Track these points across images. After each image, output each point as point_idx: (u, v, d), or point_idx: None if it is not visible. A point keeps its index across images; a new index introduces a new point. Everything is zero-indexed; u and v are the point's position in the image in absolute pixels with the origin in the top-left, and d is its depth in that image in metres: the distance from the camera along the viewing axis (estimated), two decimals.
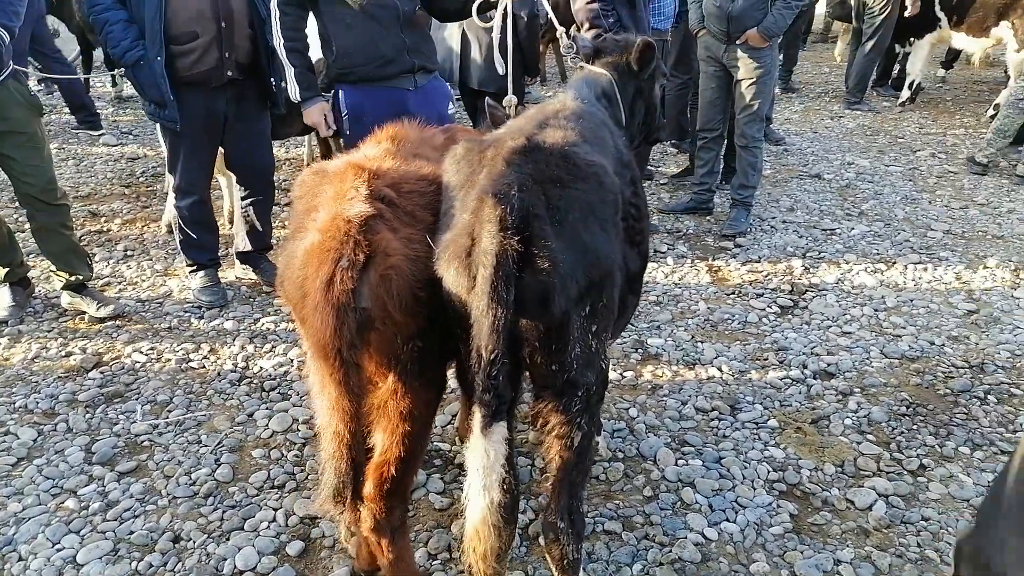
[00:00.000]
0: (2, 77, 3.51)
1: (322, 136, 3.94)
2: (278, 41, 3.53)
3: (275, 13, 3.49)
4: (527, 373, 1.77)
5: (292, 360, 3.62)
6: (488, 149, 1.78)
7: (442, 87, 3.82)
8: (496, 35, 3.34)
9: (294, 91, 3.58)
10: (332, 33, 3.49)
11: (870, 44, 7.86)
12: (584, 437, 1.80)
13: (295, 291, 1.72)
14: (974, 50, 7.83)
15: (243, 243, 4.33)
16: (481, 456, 1.57)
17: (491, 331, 1.51)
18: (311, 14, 3.58)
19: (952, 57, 9.22)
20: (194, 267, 4.19)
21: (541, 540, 2.00)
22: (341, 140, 3.83)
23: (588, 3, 4.14)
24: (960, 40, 7.78)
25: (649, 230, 2.25)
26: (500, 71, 3.41)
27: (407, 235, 1.74)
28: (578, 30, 4.32)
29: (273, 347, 3.74)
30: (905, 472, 2.91)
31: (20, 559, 2.49)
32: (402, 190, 1.81)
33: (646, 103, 2.84)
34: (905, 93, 8.24)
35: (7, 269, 3.92)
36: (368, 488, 1.93)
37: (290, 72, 3.56)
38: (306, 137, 5.84)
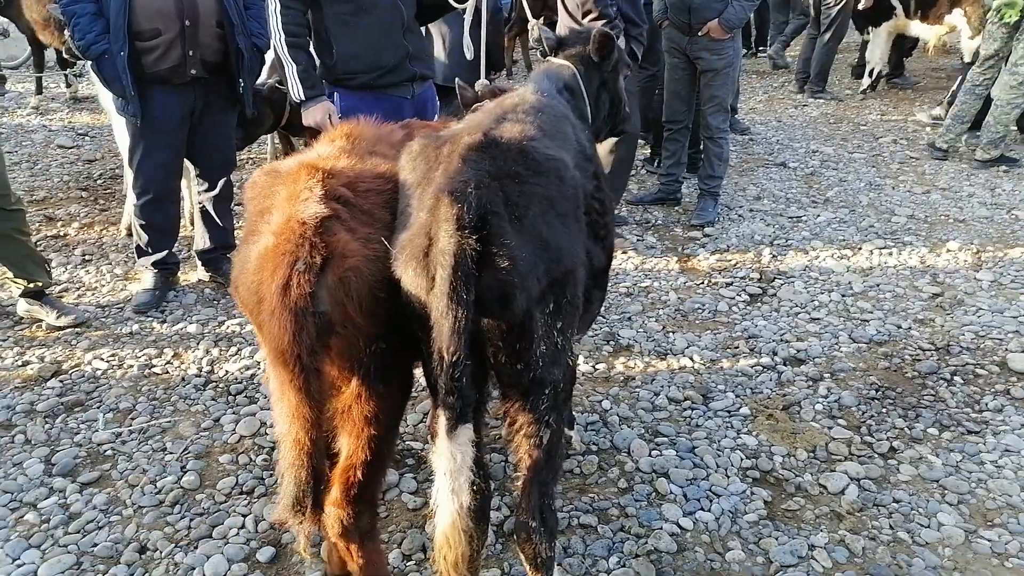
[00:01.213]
0: None
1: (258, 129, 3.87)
2: (278, 38, 3.37)
3: (275, 7, 3.35)
4: (492, 372, 1.73)
5: (258, 363, 3.55)
6: (444, 145, 1.74)
7: (433, 97, 3.76)
8: (469, 17, 3.29)
9: (296, 90, 3.40)
10: (333, 35, 3.37)
11: (828, 34, 7.94)
12: (553, 435, 1.77)
13: (250, 296, 1.67)
14: (929, 37, 7.96)
15: (203, 241, 4.26)
16: (448, 460, 1.54)
17: (452, 332, 1.47)
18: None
19: (910, 45, 9.34)
20: (144, 268, 4.13)
21: (515, 538, 1.98)
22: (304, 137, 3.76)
23: None
24: (916, 28, 7.89)
25: (613, 224, 2.23)
26: (469, 56, 3.36)
27: (365, 235, 1.70)
28: (546, 22, 4.28)
29: (239, 350, 3.66)
30: (876, 455, 2.94)
31: None
32: (358, 189, 1.77)
33: (611, 94, 2.82)
34: (866, 81, 8.34)
35: None
36: (334, 493, 1.89)
37: (292, 70, 3.39)
38: (268, 136, 5.72)
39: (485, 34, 4.95)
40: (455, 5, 3.24)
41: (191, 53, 3.69)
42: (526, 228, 1.59)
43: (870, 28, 8.11)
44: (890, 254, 4.62)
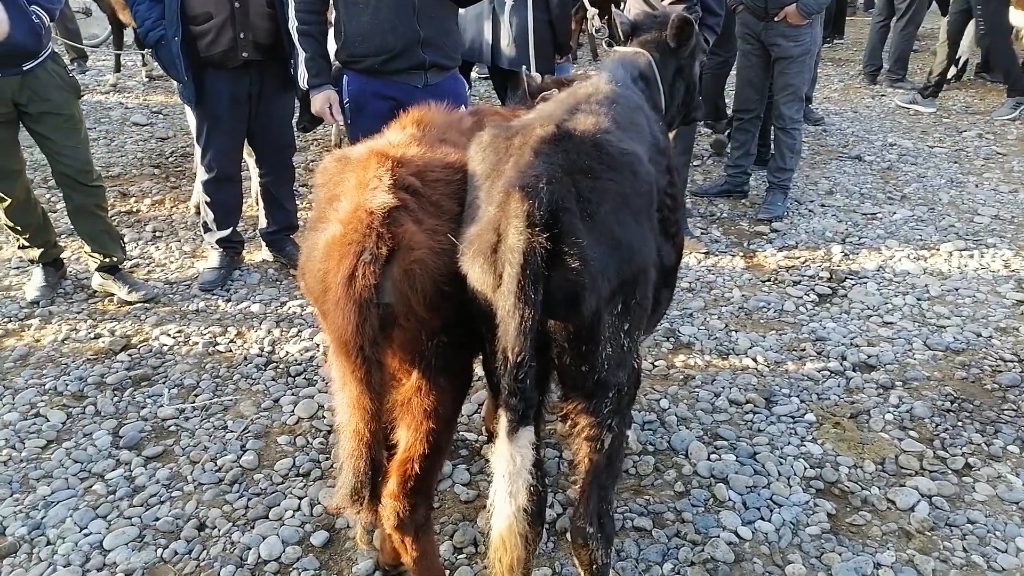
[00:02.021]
0: (42, 58, 3.51)
1: (313, 129, 3.85)
2: (292, 24, 3.44)
3: None
4: (555, 373, 1.69)
5: (318, 345, 3.59)
6: (516, 136, 1.69)
7: (458, 88, 3.61)
8: (507, 13, 3.18)
9: (302, 77, 3.48)
10: (344, 16, 3.35)
11: (904, 19, 7.55)
12: (615, 439, 1.72)
13: (316, 285, 1.66)
14: (1022, 25, 7.46)
15: (265, 222, 4.32)
16: (507, 462, 1.50)
17: (518, 333, 1.43)
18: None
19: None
20: (210, 246, 4.21)
21: (571, 543, 1.94)
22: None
23: None
24: (1013, 16, 7.40)
25: (684, 220, 2.14)
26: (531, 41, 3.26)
27: (432, 226, 1.67)
28: (607, 9, 4.14)
29: (299, 331, 3.71)
30: (949, 471, 2.79)
31: (48, 543, 2.51)
32: (427, 179, 1.73)
33: (686, 82, 2.72)
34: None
35: (41, 250, 3.95)
36: (391, 485, 1.88)
37: (301, 57, 3.46)
38: None
39: (550, 20, 4.89)
40: None
41: (242, 35, 3.69)
42: (598, 226, 1.53)
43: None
44: (971, 256, 4.37)
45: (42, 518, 2.59)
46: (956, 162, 5.85)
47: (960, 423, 3.04)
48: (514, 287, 1.42)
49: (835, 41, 9.84)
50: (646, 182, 1.69)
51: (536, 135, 1.62)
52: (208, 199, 4.12)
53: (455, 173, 1.79)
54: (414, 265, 1.59)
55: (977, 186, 5.38)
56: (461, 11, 5.14)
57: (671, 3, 3.86)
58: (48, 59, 3.58)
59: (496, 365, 1.51)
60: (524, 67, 3.75)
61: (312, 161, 5.91)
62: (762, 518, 2.60)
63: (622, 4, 4.24)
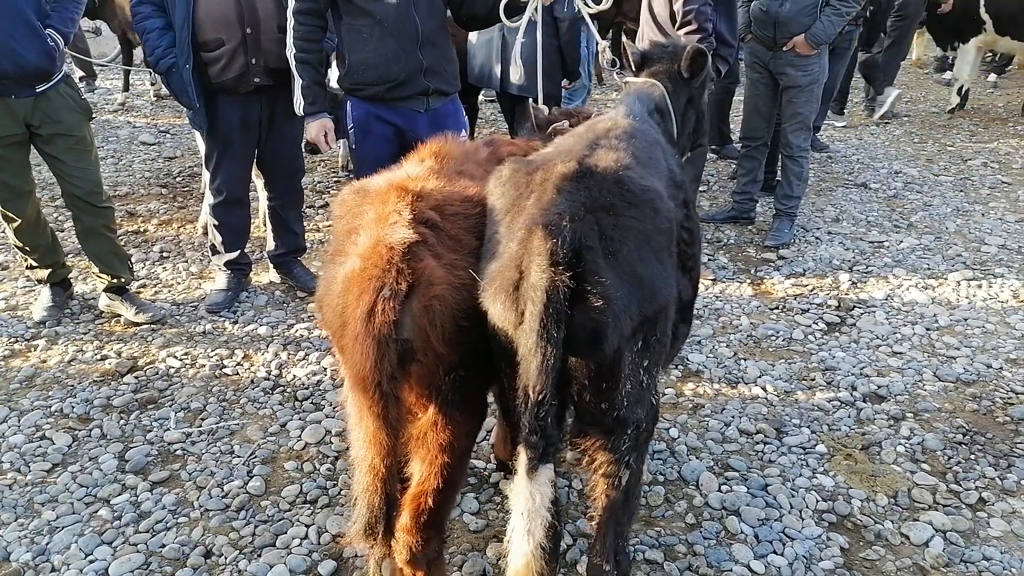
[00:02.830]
0: (54, 81, 3.54)
1: (321, 152, 3.88)
2: (290, 51, 3.41)
3: (290, 21, 3.37)
4: (573, 409, 1.67)
5: (325, 369, 3.57)
6: (537, 172, 1.69)
7: (457, 112, 3.65)
8: (519, 38, 3.21)
9: (299, 104, 3.48)
10: (348, 46, 3.38)
11: (889, 42, 7.61)
12: (632, 476, 1.70)
13: (334, 319, 1.65)
14: (1020, 53, 7.54)
15: (273, 244, 4.32)
16: (526, 500, 1.49)
17: (540, 371, 1.42)
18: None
19: (1004, 62, 8.89)
20: (218, 267, 4.21)
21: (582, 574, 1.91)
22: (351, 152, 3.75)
23: (702, 4, 3.91)
24: (1006, 44, 7.51)
25: (700, 254, 2.14)
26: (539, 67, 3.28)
27: (451, 261, 1.66)
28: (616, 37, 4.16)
29: (306, 355, 3.70)
30: (964, 506, 2.76)
31: (53, 569, 2.48)
32: (446, 212, 1.73)
33: (696, 112, 2.74)
34: (954, 99, 7.95)
35: (49, 270, 3.95)
36: (404, 520, 1.86)
37: (297, 84, 3.46)
38: (342, 140, 5.79)
39: (559, 46, 4.93)
40: (506, 22, 3.15)
41: (254, 61, 3.71)
42: (620, 264, 1.52)
43: (957, 43, 7.75)
44: (979, 286, 4.37)
45: (47, 544, 2.57)
46: (962, 191, 5.87)
47: (973, 456, 3.02)
48: (536, 325, 1.42)
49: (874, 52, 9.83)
50: (667, 219, 1.68)
51: (558, 171, 1.62)
52: (216, 222, 4.12)
53: (474, 207, 1.79)
54: (434, 301, 1.59)
55: (983, 215, 5.39)
56: (471, 37, 5.20)
57: (686, 33, 3.88)
58: (61, 81, 3.60)
59: (517, 402, 1.50)
60: (531, 98, 3.77)
61: (319, 182, 5.93)
62: (775, 552, 2.57)
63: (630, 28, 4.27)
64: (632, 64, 2.65)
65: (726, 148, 6.53)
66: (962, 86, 7.87)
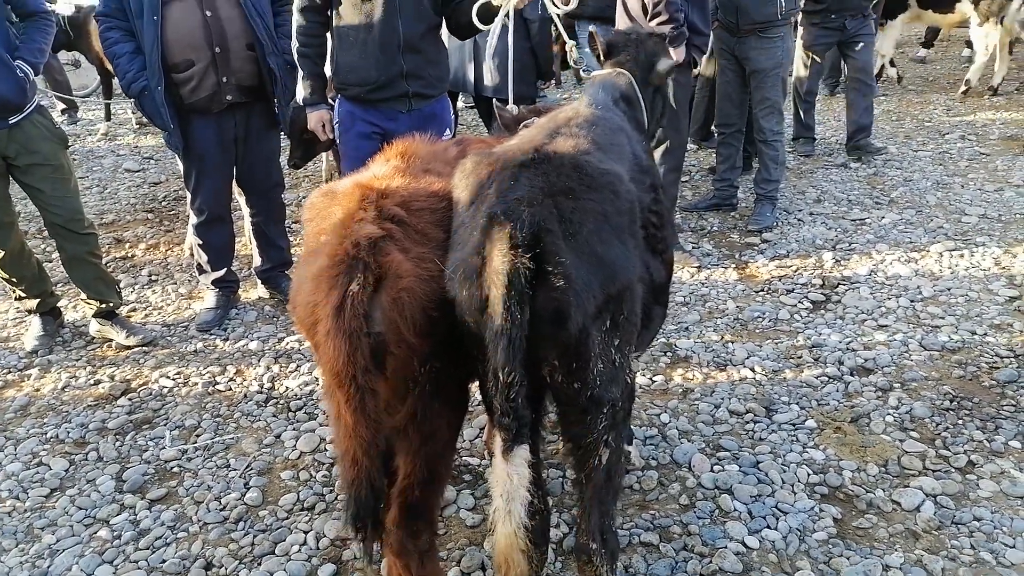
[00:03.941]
0: (28, 111, 3.57)
1: (322, 141, 3.97)
2: (294, 44, 3.62)
3: (295, 17, 3.55)
4: (549, 392, 1.71)
5: (317, 379, 3.60)
6: (497, 162, 1.72)
7: (443, 112, 3.73)
8: (492, 40, 3.25)
9: (299, 93, 3.73)
10: (337, 49, 3.54)
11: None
12: (612, 455, 1.73)
13: (307, 317, 1.69)
14: (943, 27, 7.92)
15: (259, 260, 4.35)
16: (504, 481, 1.52)
17: (506, 353, 1.45)
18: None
19: (931, 36, 9.31)
20: (206, 287, 4.25)
21: (574, 560, 1.94)
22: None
23: None
24: (930, 18, 7.85)
25: (673, 237, 2.18)
26: (509, 69, 3.33)
27: (418, 254, 1.70)
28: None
29: (298, 366, 3.72)
30: (953, 470, 2.79)
31: None
32: (412, 208, 1.77)
33: (663, 98, 2.78)
34: (891, 72, 8.23)
35: (38, 300, 3.97)
36: (393, 512, 1.89)
37: (299, 74, 3.69)
38: (324, 153, 5.83)
39: (531, 47, 4.98)
40: (480, 27, 3.22)
41: (225, 80, 3.75)
42: (580, 245, 1.56)
43: (884, 20, 7.97)
44: (961, 256, 4.41)
45: (48, 567, 2.59)
46: (941, 164, 5.92)
47: (960, 421, 3.05)
48: (500, 308, 1.45)
49: None
50: (627, 200, 1.72)
51: (516, 160, 1.65)
52: (200, 241, 4.16)
53: (440, 201, 1.83)
54: (402, 293, 1.62)
55: (963, 187, 5.43)
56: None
57: (659, 24, 3.93)
58: (34, 111, 3.64)
59: (488, 386, 1.53)
60: (496, 99, 3.81)
61: (303, 197, 5.96)
62: (768, 526, 2.59)
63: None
64: (601, 53, 2.67)
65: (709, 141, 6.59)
66: (884, 63, 8.07)
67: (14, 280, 3.88)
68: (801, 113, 6.37)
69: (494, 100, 3.04)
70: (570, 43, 3.24)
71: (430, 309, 1.67)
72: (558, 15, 3.25)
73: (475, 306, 1.55)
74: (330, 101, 3.81)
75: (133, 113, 8.35)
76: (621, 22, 4.35)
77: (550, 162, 1.65)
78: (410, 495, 1.87)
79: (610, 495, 1.79)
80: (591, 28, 2.79)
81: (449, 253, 1.70)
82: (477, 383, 1.95)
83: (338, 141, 3.74)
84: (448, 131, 3.75)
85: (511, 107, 2.98)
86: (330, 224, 1.74)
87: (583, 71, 3.09)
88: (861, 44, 5.79)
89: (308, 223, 1.93)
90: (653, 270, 1.97)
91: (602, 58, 2.70)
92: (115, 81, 8.08)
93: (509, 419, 1.49)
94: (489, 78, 4.84)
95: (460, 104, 7.34)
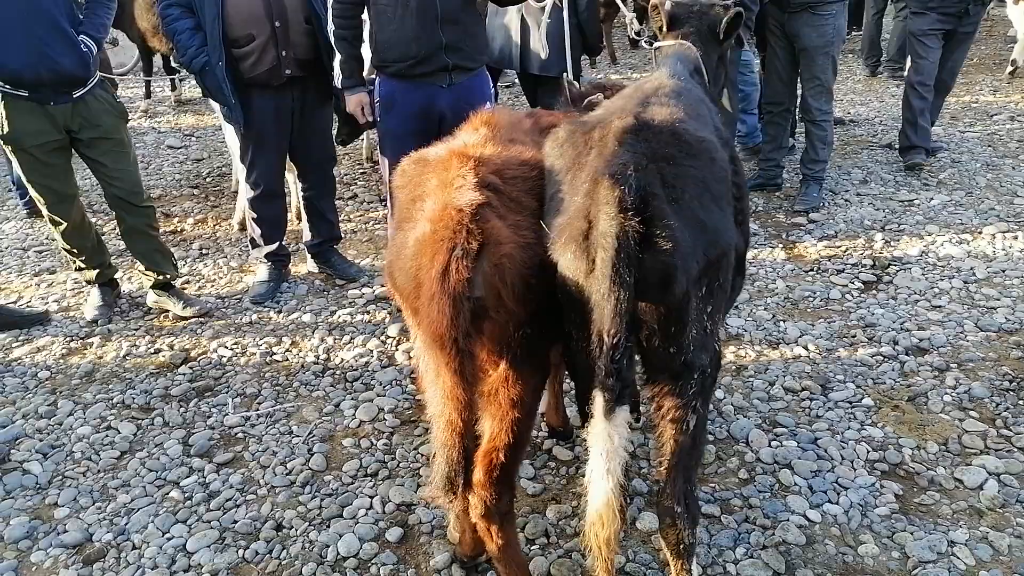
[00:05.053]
0: (90, 86, 3.63)
1: (360, 124, 4.00)
2: (330, 28, 3.64)
3: (330, 1, 3.57)
4: (641, 356, 1.73)
5: (372, 351, 3.66)
6: (594, 130, 1.74)
7: (482, 86, 3.75)
8: (544, 18, 3.25)
9: (338, 77, 3.73)
10: (376, 26, 3.55)
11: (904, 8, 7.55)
12: (699, 420, 1.76)
13: (407, 282, 1.72)
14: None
15: (309, 235, 4.41)
16: (605, 440, 1.55)
17: (614, 315, 1.48)
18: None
19: None
20: (258, 260, 4.31)
21: (656, 524, 1.97)
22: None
23: None
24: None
25: (748, 208, 2.19)
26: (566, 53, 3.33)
27: (514, 222, 1.72)
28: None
29: (351, 339, 3.78)
30: (1016, 449, 2.79)
31: (134, 547, 2.58)
32: (506, 176, 1.79)
33: (725, 72, 2.77)
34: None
35: (97, 271, 4.06)
36: (478, 475, 1.93)
37: (336, 59, 3.70)
38: (365, 133, 5.86)
39: (579, 23, 4.95)
40: (532, 3, 3.21)
41: (284, 53, 3.79)
42: (684, 210, 1.57)
43: None
44: (1015, 238, 4.36)
45: (126, 524, 2.67)
46: (990, 146, 5.83)
47: (1021, 402, 3.04)
48: (609, 271, 1.47)
49: (853, 33, 9.81)
50: (722, 168, 1.73)
51: (616, 126, 1.67)
52: (255, 215, 4.21)
53: (531, 170, 1.85)
54: (503, 259, 1.65)
55: (1014, 168, 5.36)
56: (490, 18, 5.24)
57: None
58: (96, 86, 3.70)
59: (591, 348, 1.56)
60: (564, 73, 3.78)
61: (345, 175, 6.01)
62: (830, 501, 2.62)
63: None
64: (667, 22, 2.63)
65: None
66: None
67: (75, 251, 3.97)
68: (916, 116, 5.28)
69: (564, 75, 3.04)
70: (630, 15, 3.23)
71: (528, 276, 1.69)
72: None
73: (581, 269, 1.57)
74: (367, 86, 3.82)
75: (173, 91, 8.43)
76: None
77: (650, 129, 1.66)
78: (495, 458, 1.91)
79: (694, 461, 1.82)
80: (635, 17, 2.77)
81: (547, 219, 1.72)
82: (563, 349, 1.98)
83: (377, 119, 3.75)
84: (488, 105, 3.76)
85: (575, 82, 2.99)
86: (427, 191, 1.77)
87: (644, 43, 3.07)
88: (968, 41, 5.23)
89: (400, 190, 1.96)
90: (736, 240, 1.98)
91: (664, 29, 2.68)
92: (155, 59, 8.17)
93: (613, 380, 1.52)
94: (538, 54, 4.83)
95: (499, 85, 7.32)
